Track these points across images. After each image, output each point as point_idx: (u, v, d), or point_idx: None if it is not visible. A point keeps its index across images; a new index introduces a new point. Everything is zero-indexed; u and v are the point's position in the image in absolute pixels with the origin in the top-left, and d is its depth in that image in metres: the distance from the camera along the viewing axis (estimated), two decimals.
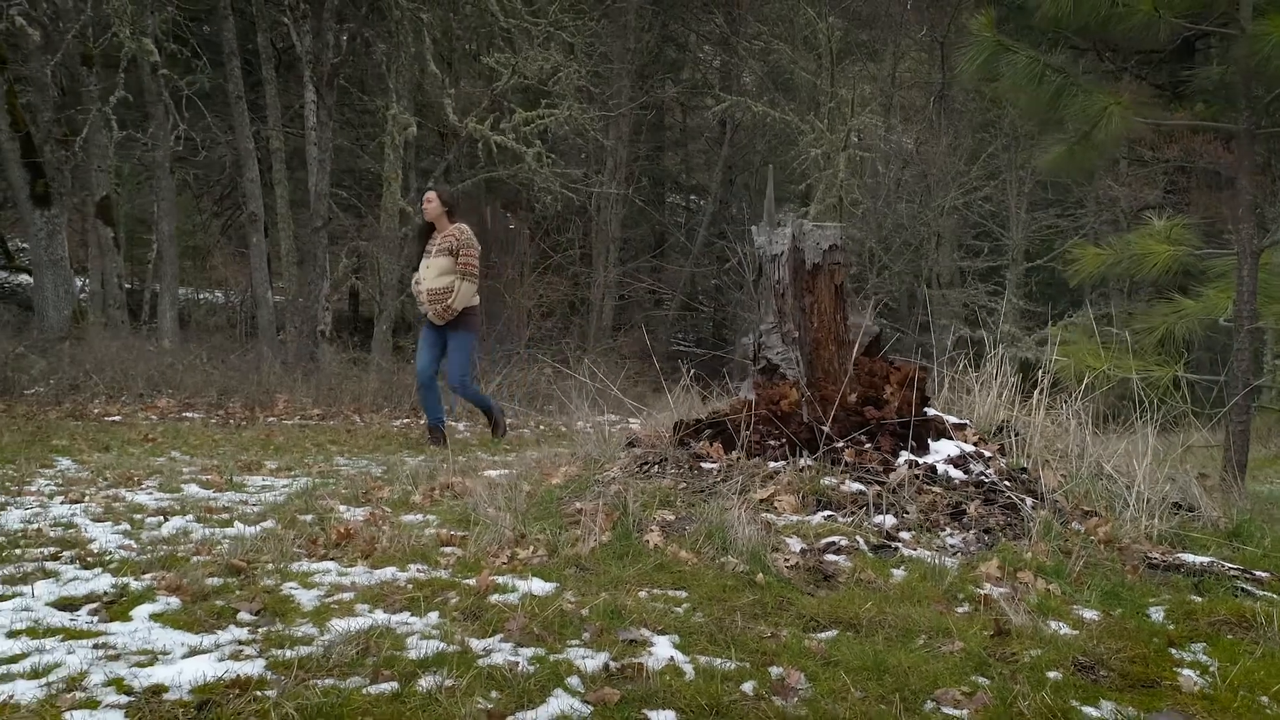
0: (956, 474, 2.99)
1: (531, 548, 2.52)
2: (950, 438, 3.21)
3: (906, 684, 1.79)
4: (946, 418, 3.38)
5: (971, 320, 12.45)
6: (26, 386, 7.49)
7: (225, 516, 3.12)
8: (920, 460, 3.04)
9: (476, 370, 5.87)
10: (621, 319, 15.34)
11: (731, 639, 1.97)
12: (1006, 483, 2.94)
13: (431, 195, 5.51)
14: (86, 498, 3.47)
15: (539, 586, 2.27)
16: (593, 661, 1.82)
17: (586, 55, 10.33)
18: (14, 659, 1.72)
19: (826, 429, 3.13)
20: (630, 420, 8.88)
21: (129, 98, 9.02)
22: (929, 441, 3.19)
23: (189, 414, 6.96)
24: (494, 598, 2.17)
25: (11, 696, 1.54)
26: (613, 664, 1.80)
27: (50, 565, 2.40)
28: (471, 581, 2.27)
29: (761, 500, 2.74)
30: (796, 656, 1.91)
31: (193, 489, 3.81)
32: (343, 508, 3.26)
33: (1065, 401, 3.46)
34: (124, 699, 1.57)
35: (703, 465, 3.06)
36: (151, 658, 1.76)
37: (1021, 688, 1.78)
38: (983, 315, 12.17)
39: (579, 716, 1.61)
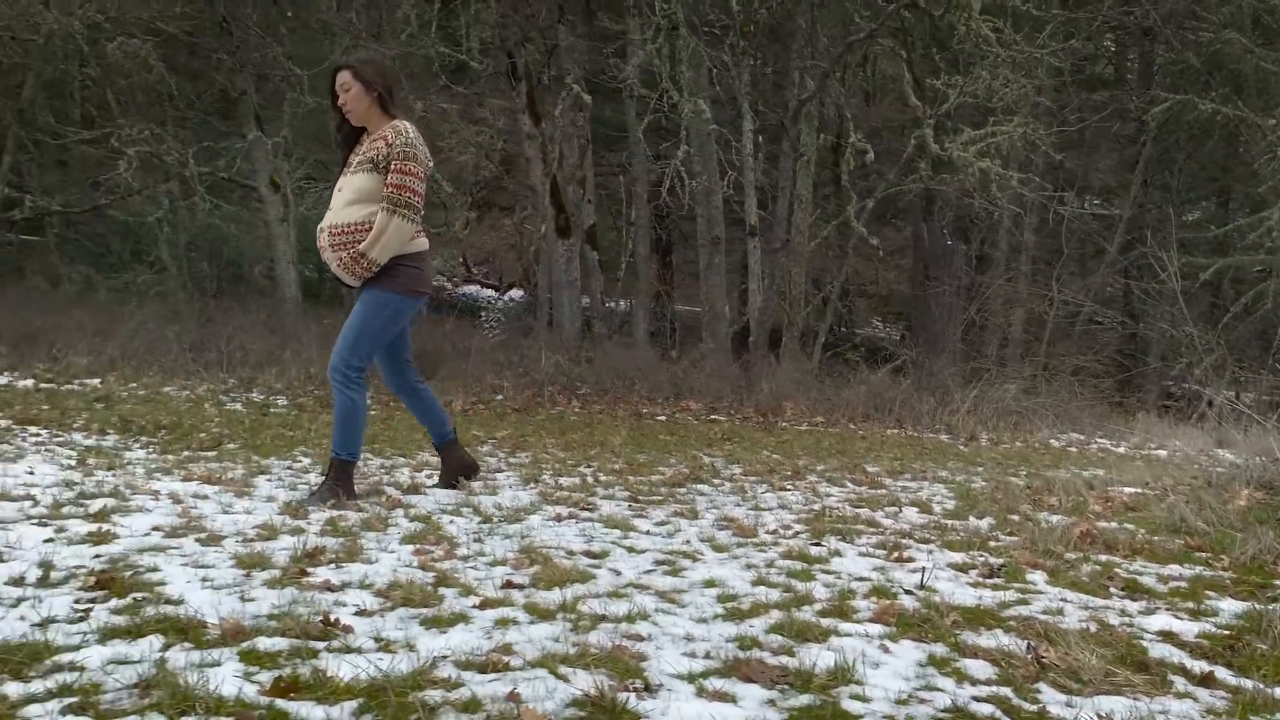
0: None
1: None
2: None
3: None
4: None
5: None
6: (575, 388, 9.16)
7: (940, 510, 3.87)
8: None
9: (368, 360, 3.45)
10: (1027, 333, 14.98)
11: None
12: None
13: (345, 77, 3.30)
14: (795, 489, 4.42)
15: None
16: None
17: (1036, 70, 10.34)
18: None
19: None
20: (1098, 438, 8.86)
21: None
22: None
23: (715, 415, 8.14)
24: None
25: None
26: None
27: (853, 528, 3.23)
28: None
29: None
30: None
31: (849, 486, 4.65)
32: (1026, 508, 3.87)
33: None
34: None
35: None
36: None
37: None
38: None
39: None
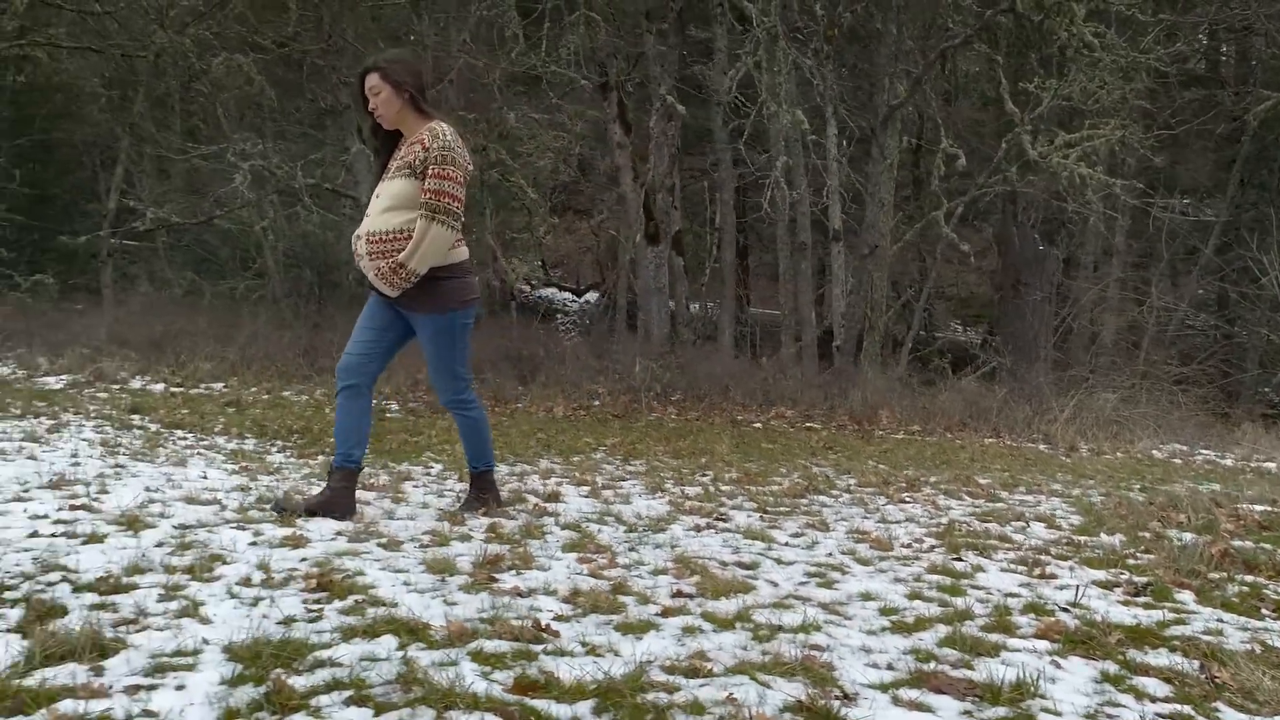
0: None
1: None
2: None
3: None
4: None
5: None
6: (668, 394, 9.30)
7: (1067, 526, 3.92)
8: None
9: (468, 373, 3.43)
10: (1122, 339, 14.62)
11: None
12: None
13: (374, 80, 3.17)
14: (914, 501, 4.50)
15: None
16: None
17: (1138, 73, 10.15)
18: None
19: None
20: (1200, 449, 8.68)
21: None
22: None
23: (810, 424, 8.22)
24: None
25: None
26: None
27: (986, 543, 3.31)
28: None
29: None
30: None
31: (966, 499, 4.71)
32: (1156, 525, 3.89)
33: None
34: None
35: None
36: None
37: None
38: None
39: None
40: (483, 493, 3.55)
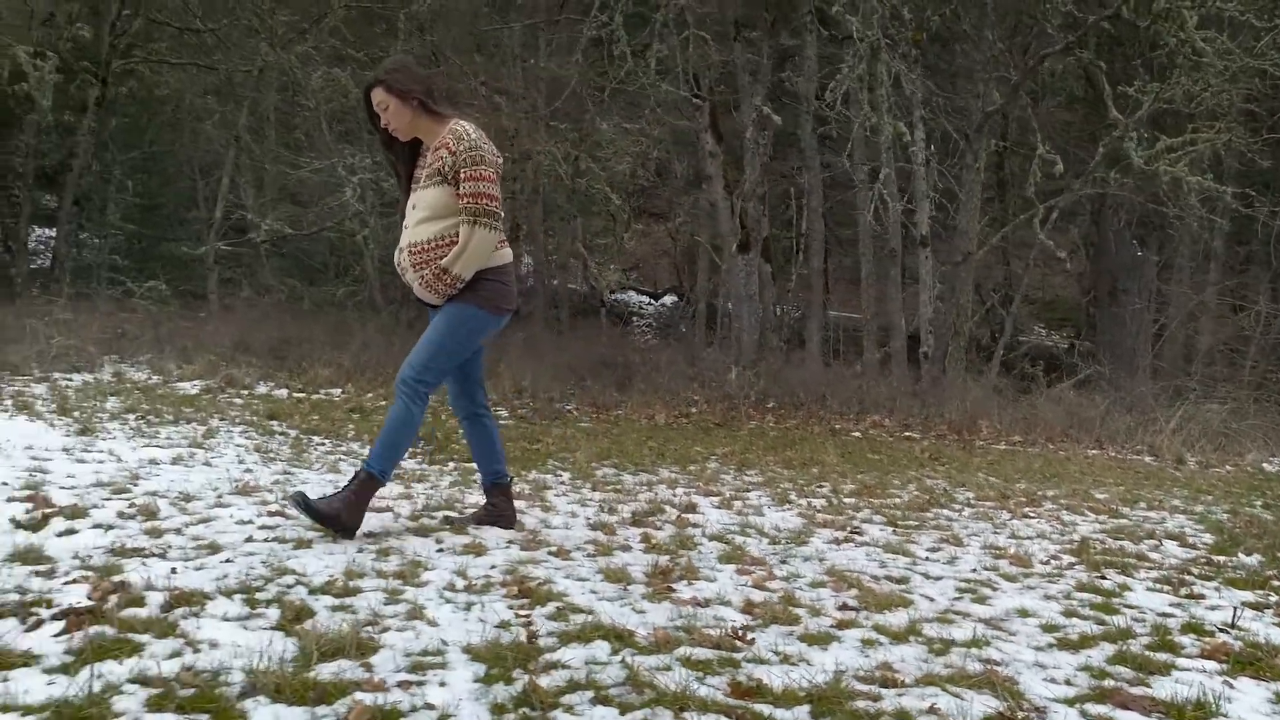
0: None
1: None
2: None
3: None
4: None
5: None
6: (763, 401, 9.43)
7: (1201, 545, 3.97)
8: None
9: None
10: (1226, 346, 14.21)
11: None
12: None
13: (380, 94, 3.10)
14: (1038, 517, 4.57)
15: None
16: None
17: (1248, 77, 9.92)
18: None
19: None
20: None
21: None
22: None
23: (909, 433, 8.27)
24: None
25: None
26: None
27: (1126, 561, 3.38)
28: None
29: None
30: None
31: (1090, 515, 4.76)
32: None
33: None
34: None
35: None
36: None
37: None
38: None
39: None
40: (356, 499, 3.11)
